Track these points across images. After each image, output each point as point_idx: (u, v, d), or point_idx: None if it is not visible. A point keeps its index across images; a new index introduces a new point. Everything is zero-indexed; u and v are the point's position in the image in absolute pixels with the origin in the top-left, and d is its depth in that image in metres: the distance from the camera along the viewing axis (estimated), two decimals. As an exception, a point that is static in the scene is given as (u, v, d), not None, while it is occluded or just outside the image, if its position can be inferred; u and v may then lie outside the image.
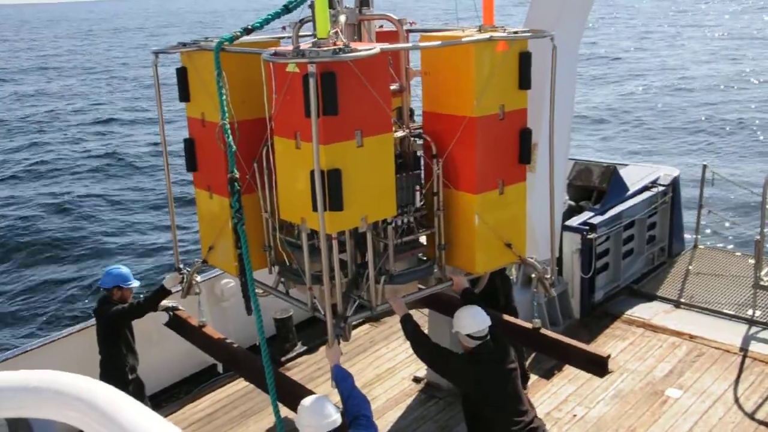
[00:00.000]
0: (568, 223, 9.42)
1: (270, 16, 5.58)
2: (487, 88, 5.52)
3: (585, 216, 9.71)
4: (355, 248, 5.59)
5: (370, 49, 4.75)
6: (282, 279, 6.18)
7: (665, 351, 8.80)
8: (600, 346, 8.84)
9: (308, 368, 8.80)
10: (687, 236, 11.89)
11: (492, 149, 5.71)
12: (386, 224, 5.52)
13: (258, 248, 6.03)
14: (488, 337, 5.43)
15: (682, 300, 10.07)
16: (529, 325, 6.53)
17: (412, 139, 5.85)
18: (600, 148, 26.63)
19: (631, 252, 10.73)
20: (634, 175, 11.09)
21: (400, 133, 5.81)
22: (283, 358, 8.94)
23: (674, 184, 11.17)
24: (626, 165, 11.81)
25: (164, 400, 8.23)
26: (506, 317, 6.66)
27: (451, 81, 5.65)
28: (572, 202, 10.26)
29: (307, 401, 4.59)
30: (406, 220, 5.71)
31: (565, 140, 7.54)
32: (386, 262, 5.64)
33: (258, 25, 5.55)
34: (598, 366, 6.17)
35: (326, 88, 4.65)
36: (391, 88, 5.91)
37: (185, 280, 6.69)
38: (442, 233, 5.88)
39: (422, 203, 5.94)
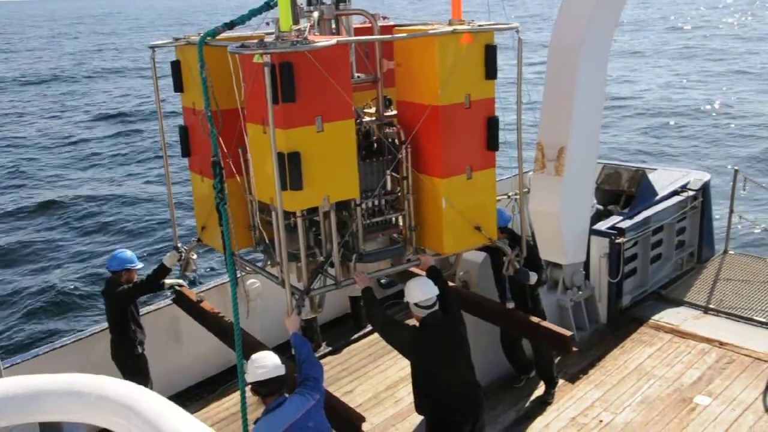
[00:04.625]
0: (596, 227, 9.39)
1: (251, 12, 6.04)
2: (451, 79, 5.83)
3: (613, 220, 9.71)
4: (330, 228, 5.98)
5: (326, 41, 5.16)
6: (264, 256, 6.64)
7: (694, 357, 8.71)
8: (627, 351, 8.86)
9: (332, 369, 8.92)
10: (717, 242, 11.71)
11: (458, 136, 6.02)
12: (356, 206, 5.90)
13: (244, 228, 6.50)
14: (436, 307, 5.74)
15: (711, 306, 9.93)
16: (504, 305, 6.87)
17: (384, 126, 6.22)
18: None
19: (659, 257, 10.67)
20: (663, 180, 11.01)
21: (369, 119, 6.19)
22: None
23: (704, 189, 11.02)
24: (655, 169, 11.72)
25: (188, 399, 8.41)
26: (478, 297, 6.96)
27: (419, 72, 6.00)
28: (600, 206, 10.25)
29: (255, 354, 5.07)
30: (375, 203, 6.09)
31: (594, 143, 7.57)
32: (357, 241, 6.03)
33: (239, 20, 6.02)
34: (561, 343, 6.42)
35: (284, 77, 5.07)
36: (366, 78, 6.33)
37: (183, 257, 7.22)
38: (411, 215, 6.23)
39: (399, 188, 6.30)
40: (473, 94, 6.01)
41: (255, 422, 4.97)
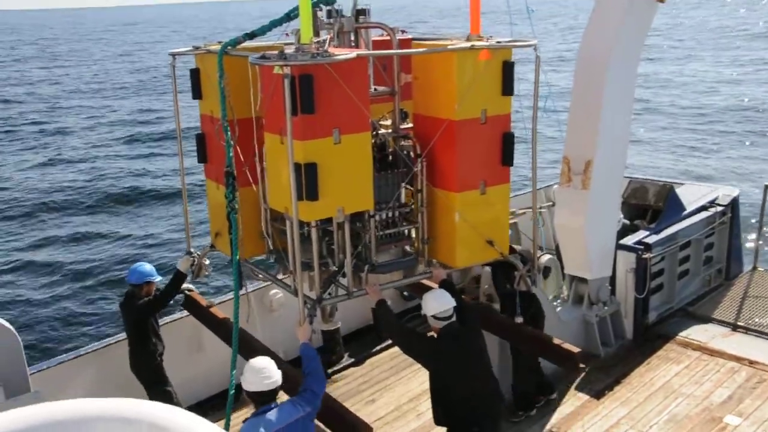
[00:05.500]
0: (623, 242, 9.29)
1: (272, 23, 6.11)
2: (468, 94, 5.88)
3: (640, 235, 9.58)
4: (343, 238, 6.02)
5: (346, 54, 5.21)
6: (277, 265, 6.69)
7: (723, 376, 8.51)
8: (653, 368, 8.72)
9: (354, 381, 8.83)
10: (746, 258, 11.49)
11: (473, 151, 6.06)
12: (370, 217, 5.94)
13: (257, 236, 6.55)
14: (453, 318, 5.76)
15: (740, 323, 9.74)
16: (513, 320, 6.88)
17: (399, 138, 6.26)
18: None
19: (686, 273, 10.49)
20: (691, 195, 10.84)
21: (385, 132, 6.24)
22: (330, 371, 8.87)
23: (733, 205, 10.86)
24: (683, 184, 11.56)
25: (210, 408, 8.25)
26: (489, 311, 6.98)
27: (436, 86, 6.05)
28: (627, 221, 10.10)
29: (254, 361, 5.05)
30: (389, 214, 6.13)
31: (621, 157, 7.45)
32: (370, 252, 6.06)
33: (260, 31, 6.10)
34: (568, 360, 6.42)
35: (303, 89, 5.12)
36: (383, 90, 6.38)
37: (195, 262, 7.27)
38: (425, 228, 6.27)
39: (413, 200, 6.34)
40: (489, 110, 6.05)
41: (244, 421, 4.98)
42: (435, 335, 5.88)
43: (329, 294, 6.11)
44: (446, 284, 6.19)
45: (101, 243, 20.46)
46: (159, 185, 26.26)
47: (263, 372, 4.95)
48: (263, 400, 4.92)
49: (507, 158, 6.23)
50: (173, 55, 6.77)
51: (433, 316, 5.77)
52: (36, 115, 43.57)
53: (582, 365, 6.55)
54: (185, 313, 8.07)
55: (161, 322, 8.05)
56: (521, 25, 7.43)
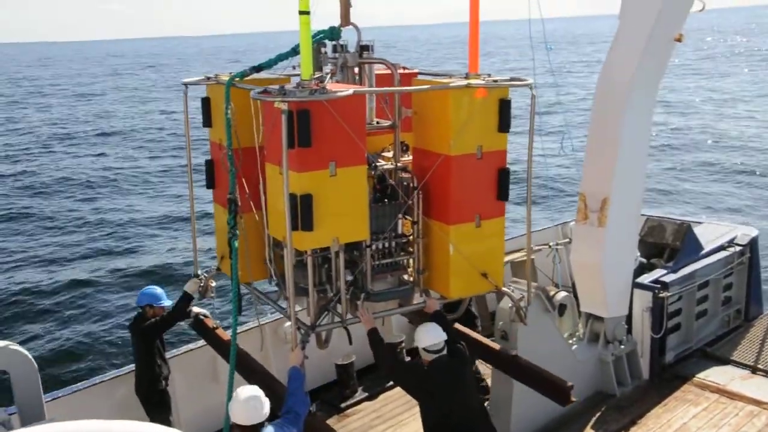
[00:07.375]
0: (639, 280, 9.24)
1: (278, 57, 6.38)
2: (464, 130, 6.07)
3: (657, 274, 9.55)
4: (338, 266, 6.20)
5: (343, 91, 5.44)
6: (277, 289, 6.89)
7: (742, 420, 8.37)
8: (670, 410, 8.62)
9: (367, 416, 8.78)
10: (766, 299, 11.41)
11: (468, 185, 6.24)
12: (366, 247, 6.13)
13: (260, 260, 6.77)
14: (443, 351, 5.93)
15: (760, 366, 9.63)
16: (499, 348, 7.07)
17: (399, 171, 6.47)
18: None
19: (704, 313, 10.42)
20: (709, 234, 10.80)
21: (387, 165, 6.44)
22: (344, 404, 8.91)
23: (752, 245, 10.78)
24: (701, 222, 11.52)
25: None
26: (488, 342, 7.14)
27: (433, 122, 6.26)
28: (644, 260, 10.09)
29: (243, 393, 5.05)
30: (386, 244, 6.31)
31: (638, 194, 7.45)
32: (365, 280, 6.24)
33: (267, 64, 6.36)
34: (560, 393, 6.52)
35: (301, 124, 5.36)
36: (384, 124, 6.60)
37: (203, 284, 7.51)
38: (420, 259, 6.44)
39: (412, 231, 6.52)
40: (485, 146, 6.23)
41: None
42: (424, 365, 6.03)
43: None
44: (438, 315, 6.35)
45: (121, 271, 20.69)
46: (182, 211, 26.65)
47: (253, 406, 4.97)
48: (251, 429, 4.96)
49: (502, 193, 6.39)
50: (186, 84, 7.07)
51: (425, 349, 5.95)
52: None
53: (573, 399, 6.61)
54: (201, 342, 8.09)
55: (177, 351, 8.23)
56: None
